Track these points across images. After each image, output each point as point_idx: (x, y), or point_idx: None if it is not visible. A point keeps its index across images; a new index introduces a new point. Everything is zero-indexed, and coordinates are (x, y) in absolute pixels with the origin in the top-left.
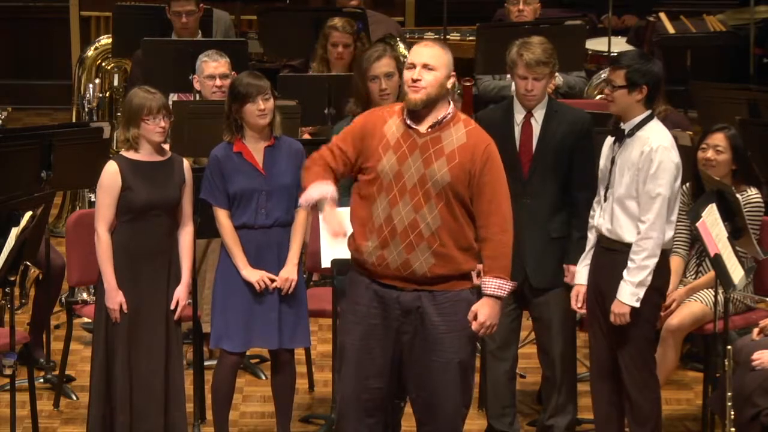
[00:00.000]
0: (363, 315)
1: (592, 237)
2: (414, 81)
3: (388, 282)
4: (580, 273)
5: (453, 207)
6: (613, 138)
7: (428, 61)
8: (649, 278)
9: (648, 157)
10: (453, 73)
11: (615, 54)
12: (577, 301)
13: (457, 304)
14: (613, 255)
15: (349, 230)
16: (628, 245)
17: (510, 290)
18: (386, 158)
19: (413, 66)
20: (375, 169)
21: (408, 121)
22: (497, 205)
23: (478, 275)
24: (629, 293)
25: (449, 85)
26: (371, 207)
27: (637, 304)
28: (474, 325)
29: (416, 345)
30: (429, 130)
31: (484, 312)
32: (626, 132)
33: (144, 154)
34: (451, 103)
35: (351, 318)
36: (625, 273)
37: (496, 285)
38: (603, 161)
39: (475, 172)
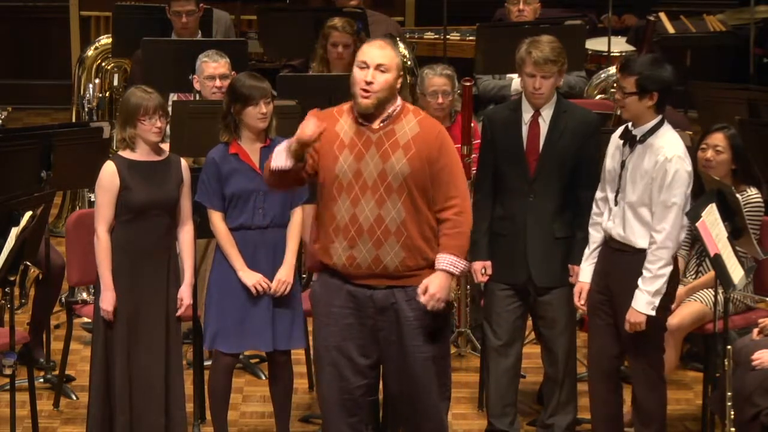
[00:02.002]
0: (337, 316)
1: (597, 235)
2: (367, 83)
3: (361, 282)
4: (585, 271)
5: (415, 197)
6: (623, 140)
7: (382, 62)
8: (665, 286)
9: (663, 167)
10: (401, 74)
11: (625, 58)
12: (580, 298)
13: None
14: (624, 257)
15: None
16: (640, 250)
17: (463, 269)
18: (343, 158)
19: (366, 66)
20: (333, 171)
21: (359, 119)
22: (455, 188)
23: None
24: (645, 302)
25: (398, 84)
26: (334, 208)
27: (653, 313)
28: (423, 298)
29: (393, 341)
30: (381, 124)
31: (435, 283)
32: (638, 138)
33: (141, 154)
34: (398, 97)
35: (325, 321)
36: (640, 282)
37: (450, 261)
38: (610, 162)
39: (432, 158)
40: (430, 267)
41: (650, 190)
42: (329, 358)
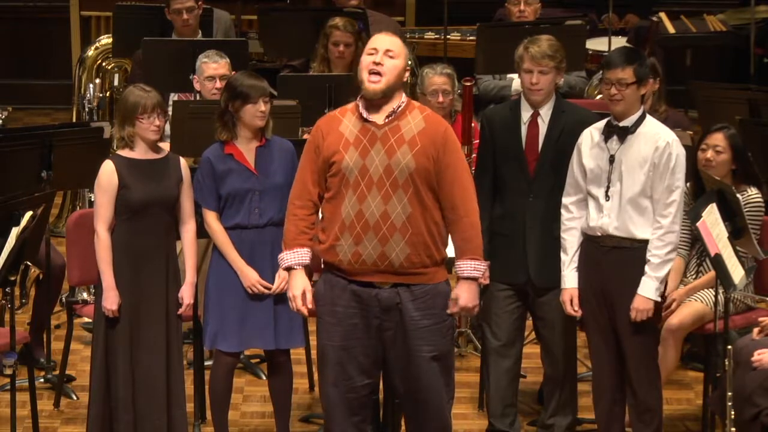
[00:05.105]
0: (342, 316)
1: (573, 240)
2: (376, 64)
3: (366, 279)
4: (570, 277)
5: (420, 193)
6: (604, 136)
7: (390, 48)
8: (668, 274)
9: (665, 152)
10: (409, 68)
11: (607, 56)
12: (573, 305)
13: (435, 297)
14: (622, 252)
15: (308, 299)
16: (640, 241)
17: (485, 270)
18: (348, 155)
19: (375, 51)
20: (339, 168)
21: (364, 114)
22: (460, 187)
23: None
24: (654, 288)
25: (405, 77)
26: (340, 206)
27: (659, 299)
28: (454, 308)
29: (398, 341)
30: (386, 120)
31: (464, 296)
32: (629, 129)
33: (140, 153)
34: (404, 93)
35: (329, 320)
36: (647, 269)
37: (472, 267)
38: (592, 161)
39: (437, 155)
40: (435, 265)
41: (653, 177)
42: (334, 357)
